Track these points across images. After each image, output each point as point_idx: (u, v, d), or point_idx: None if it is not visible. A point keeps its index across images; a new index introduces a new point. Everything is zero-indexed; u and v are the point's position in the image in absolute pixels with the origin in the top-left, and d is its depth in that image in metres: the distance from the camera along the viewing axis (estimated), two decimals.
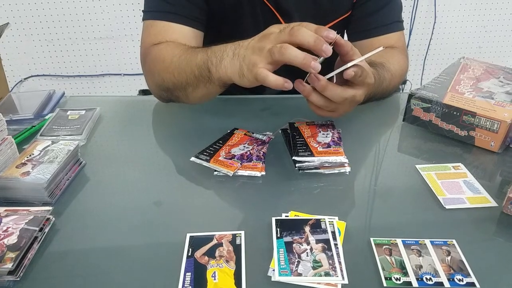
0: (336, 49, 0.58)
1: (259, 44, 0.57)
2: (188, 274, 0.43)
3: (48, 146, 0.62)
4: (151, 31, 0.79)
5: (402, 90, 1.05)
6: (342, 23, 0.85)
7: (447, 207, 0.54)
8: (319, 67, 0.54)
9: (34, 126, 0.74)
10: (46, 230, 0.50)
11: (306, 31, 0.54)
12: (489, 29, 2.28)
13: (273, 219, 0.51)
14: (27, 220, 0.49)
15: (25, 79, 2.13)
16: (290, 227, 0.49)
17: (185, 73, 0.68)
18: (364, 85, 0.61)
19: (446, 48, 2.29)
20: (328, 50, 0.53)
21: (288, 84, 0.56)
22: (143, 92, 1.02)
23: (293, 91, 0.91)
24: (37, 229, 0.48)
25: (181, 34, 0.77)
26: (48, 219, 0.51)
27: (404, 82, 1.24)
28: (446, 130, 0.70)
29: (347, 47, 0.57)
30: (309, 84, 0.60)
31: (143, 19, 0.81)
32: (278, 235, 0.48)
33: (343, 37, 0.93)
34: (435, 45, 2.27)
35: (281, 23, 0.81)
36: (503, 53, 2.37)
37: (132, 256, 0.48)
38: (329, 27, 0.83)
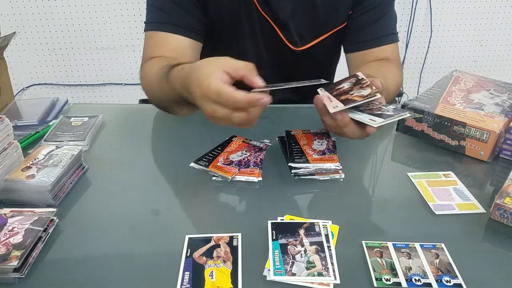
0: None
1: (209, 115, 0.56)
2: (187, 273, 0.45)
3: (52, 150, 0.64)
4: (150, 42, 0.81)
5: (399, 102, 1.07)
6: (337, 34, 0.87)
7: (437, 212, 0.56)
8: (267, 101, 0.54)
9: (38, 132, 0.76)
10: (50, 230, 0.52)
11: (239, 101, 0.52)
12: (485, 43, 2.32)
13: (269, 222, 0.53)
14: (32, 221, 0.51)
15: (27, 87, 2.16)
16: (285, 230, 0.51)
17: (164, 97, 0.70)
18: None
19: (442, 61, 2.33)
20: (266, 103, 0.54)
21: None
22: (143, 102, 1.04)
23: (290, 102, 0.93)
24: (42, 229, 0.50)
25: (179, 44, 0.79)
26: (52, 220, 0.53)
27: (401, 95, 1.27)
28: (437, 140, 0.73)
29: (379, 90, 0.59)
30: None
31: (144, 31, 0.83)
32: (274, 237, 0.50)
33: (339, 50, 0.96)
34: (431, 58, 2.31)
35: (277, 33, 0.84)
36: (498, 67, 2.41)
37: (132, 256, 0.50)
38: (325, 38, 0.87)
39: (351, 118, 0.57)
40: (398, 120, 0.59)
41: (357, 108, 0.58)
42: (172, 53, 0.78)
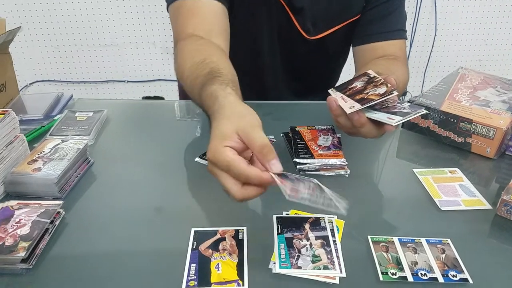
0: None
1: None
2: (193, 265, 0.45)
3: (58, 144, 0.64)
4: (178, 14, 0.76)
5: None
6: (350, 26, 0.87)
7: (443, 208, 0.56)
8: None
9: (43, 126, 0.76)
10: (57, 223, 0.52)
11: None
12: (489, 42, 2.31)
13: (274, 216, 0.53)
14: (38, 213, 0.51)
15: (30, 84, 2.17)
16: (290, 224, 0.51)
17: (192, 94, 0.64)
18: None
19: (446, 60, 2.32)
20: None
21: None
22: (146, 99, 1.04)
23: (296, 94, 0.93)
24: (48, 221, 0.50)
25: (211, 9, 0.74)
26: (58, 212, 0.53)
27: (405, 94, 1.26)
28: (443, 137, 0.73)
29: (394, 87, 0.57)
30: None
31: (168, 4, 0.78)
32: (279, 231, 0.50)
33: (348, 47, 0.95)
34: (436, 57, 2.30)
35: (292, 19, 0.83)
36: (503, 66, 2.40)
37: (139, 248, 0.50)
38: (338, 29, 0.86)
39: (368, 118, 0.56)
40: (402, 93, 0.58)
41: (372, 107, 0.58)
42: (205, 21, 0.74)
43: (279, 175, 0.45)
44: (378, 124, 0.57)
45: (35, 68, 2.14)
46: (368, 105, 0.56)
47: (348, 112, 0.56)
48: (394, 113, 0.56)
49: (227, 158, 0.44)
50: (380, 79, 0.59)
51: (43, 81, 2.18)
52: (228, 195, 0.47)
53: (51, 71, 2.17)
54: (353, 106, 0.56)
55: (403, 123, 0.75)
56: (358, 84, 0.60)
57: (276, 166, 0.44)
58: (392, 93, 0.56)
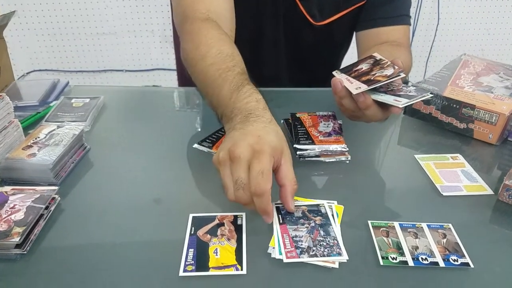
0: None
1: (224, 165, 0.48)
2: (191, 250, 0.44)
3: (54, 130, 0.63)
4: None
5: None
6: (357, 11, 0.85)
7: (444, 194, 0.55)
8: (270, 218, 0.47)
9: (39, 113, 0.75)
10: (52, 208, 0.51)
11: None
12: (492, 32, 2.29)
13: (274, 205, 0.51)
14: (33, 198, 0.50)
15: (27, 73, 2.15)
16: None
17: (205, 90, 0.63)
18: None
19: (449, 50, 2.30)
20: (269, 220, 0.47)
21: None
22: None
23: (297, 85, 0.92)
24: (43, 206, 0.49)
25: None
26: (53, 198, 0.52)
27: (406, 82, 1.25)
28: (445, 123, 0.72)
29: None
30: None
31: None
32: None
33: (352, 34, 0.94)
34: (438, 46, 2.28)
35: (297, 4, 0.82)
36: (506, 56, 2.38)
37: (136, 234, 0.49)
38: (344, 14, 0.84)
39: (373, 100, 0.55)
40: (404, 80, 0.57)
41: (377, 90, 0.56)
42: (217, 3, 0.72)
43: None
44: (383, 107, 0.56)
45: (32, 57, 2.12)
46: (375, 86, 0.54)
47: (354, 93, 0.55)
48: (400, 96, 0.55)
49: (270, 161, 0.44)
50: (387, 61, 0.58)
51: (40, 70, 2.16)
52: (224, 190, 0.47)
53: (48, 60, 2.15)
54: (359, 87, 0.55)
55: (406, 107, 0.75)
56: (364, 66, 0.59)
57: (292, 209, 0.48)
58: (399, 75, 0.55)
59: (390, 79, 0.55)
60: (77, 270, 0.44)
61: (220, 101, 0.57)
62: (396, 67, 0.56)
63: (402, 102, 0.53)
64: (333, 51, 0.95)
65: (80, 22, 2.05)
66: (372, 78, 0.56)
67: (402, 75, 0.55)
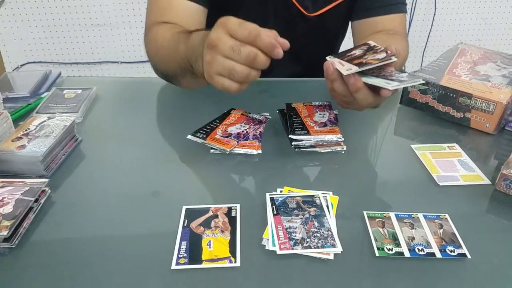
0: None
1: (208, 58, 0.51)
2: (184, 242, 0.44)
3: (44, 121, 0.62)
4: (154, 7, 0.77)
5: None
6: (350, 1, 0.84)
7: (441, 184, 0.55)
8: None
9: (30, 104, 0.73)
10: (42, 201, 0.50)
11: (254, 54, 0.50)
12: (489, 21, 2.27)
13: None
14: (22, 191, 0.49)
15: (21, 65, 2.12)
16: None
17: (173, 63, 0.65)
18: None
19: (445, 40, 2.29)
20: (279, 55, 0.51)
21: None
22: None
23: (292, 75, 0.91)
24: (33, 199, 0.48)
25: (185, 9, 0.75)
26: (43, 190, 0.51)
27: (403, 72, 1.24)
28: (442, 112, 0.71)
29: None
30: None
31: None
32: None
33: (347, 24, 0.92)
34: (435, 36, 2.27)
35: None
36: (502, 46, 2.37)
37: (129, 226, 0.48)
38: (338, 4, 0.82)
39: (364, 83, 0.55)
40: (410, 86, 0.57)
41: (369, 74, 0.56)
42: (179, 18, 0.74)
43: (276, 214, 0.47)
44: (374, 91, 0.55)
45: (26, 49, 2.09)
46: (366, 67, 0.54)
47: (344, 74, 0.54)
48: (392, 80, 0.54)
49: (238, 20, 0.49)
50: (380, 47, 0.57)
51: (34, 62, 2.13)
52: (227, 88, 0.51)
53: (42, 52, 2.12)
54: (350, 69, 0.54)
55: (402, 97, 0.74)
56: (358, 52, 0.58)
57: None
58: (391, 59, 0.54)
59: (381, 62, 0.54)
60: (67, 264, 0.43)
61: (182, 55, 0.61)
62: (389, 52, 0.56)
63: (392, 85, 0.53)
64: (327, 42, 0.93)
65: (74, 14, 2.02)
66: (364, 61, 0.55)
67: (394, 59, 0.55)
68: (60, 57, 2.13)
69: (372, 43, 0.59)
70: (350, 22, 0.88)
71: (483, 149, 0.65)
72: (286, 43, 0.51)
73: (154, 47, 0.72)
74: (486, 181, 0.55)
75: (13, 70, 2.07)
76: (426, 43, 2.27)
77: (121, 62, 2.15)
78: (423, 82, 0.56)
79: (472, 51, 0.83)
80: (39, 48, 2.09)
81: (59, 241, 0.46)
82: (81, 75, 2.18)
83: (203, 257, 0.42)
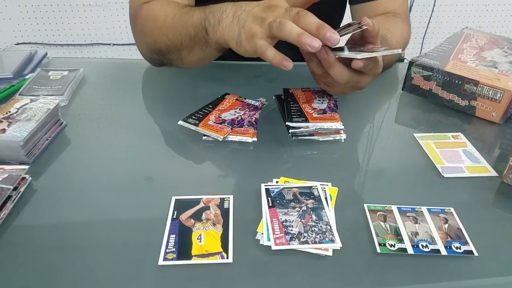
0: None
1: (262, 14, 0.52)
2: (172, 236, 0.41)
3: (27, 104, 0.58)
4: None
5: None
6: None
7: (445, 175, 0.52)
8: (318, 44, 0.48)
9: (13, 86, 0.69)
10: (22, 189, 0.47)
11: (311, 18, 0.50)
12: (490, 8, 2.23)
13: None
14: (0, 179, 0.46)
15: (9, 46, 2.05)
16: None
17: (180, 34, 0.63)
18: (372, 75, 0.57)
19: (446, 26, 2.25)
20: (332, 39, 0.48)
21: (287, 63, 0.51)
22: None
23: (291, 59, 0.87)
24: (11, 187, 0.45)
25: None
26: (23, 178, 0.48)
27: (402, 60, 1.21)
28: (446, 100, 0.68)
29: (373, 32, 0.54)
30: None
31: None
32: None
33: (345, 8, 0.88)
34: (435, 23, 2.22)
35: None
36: (504, 33, 2.33)
37: (114, 217, 0.45)
38: None
39: (339, 59, 0.53)
40: (398, 57, 0.55)
41: (347, 51, 0.54)
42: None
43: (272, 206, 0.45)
44: (354, 70, 0.54)
45: (15, 29, 2.02)
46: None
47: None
48: (365, 52, 0.52)
49: None
50: (358, 22, 0.54)
51: (24, 43, 2.06)
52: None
53: (32, 33, 2.05)
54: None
55: (405, 83, 0.70)
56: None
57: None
58: (362, 27, 0.52)
59: (347, 28, 0.52)
60: (49, 256, 0.40)
61: (196, 22, 0.60)
62: (361, 22, 0.54)
63: (361, 54, 0.51)
64: None
65: None
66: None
67: (365, 27, 0.53)
68: (50, 38, 2.06)
69: (355, 22, 0.56)
70: (349, 7, 0.84)
71: (488, 139, 0.62)
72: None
73: (154, 24, 0.68)
74: (493, 173, 0.53)
75: (2, 51, 2.00)
76: (426, 30, 2.23)
77: (113, 44, 2.09)
78: (401, 52, 0.54)
79: (477, 36, 0.79)
80: (28, 28, 2.03)
81: (38, 231, 0.43)
82: (72, 57, 2.12)
83: (193, 252, 0.39)
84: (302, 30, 0.49)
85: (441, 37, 2.25)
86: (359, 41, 0.57)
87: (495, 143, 0.62)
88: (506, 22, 2.30)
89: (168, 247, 0.40)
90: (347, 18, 0.89)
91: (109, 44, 2.09)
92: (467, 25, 2.39)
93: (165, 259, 0.39)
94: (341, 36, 0.51)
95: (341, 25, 0.61)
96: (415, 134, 0.60)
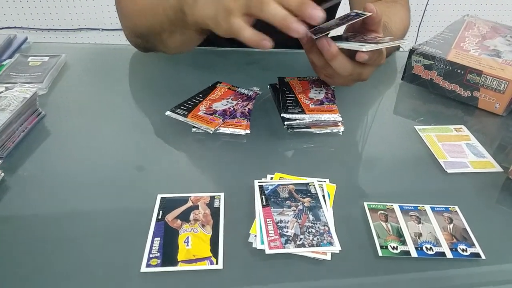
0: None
1: None
2: (157, 239, 0.38)
3: (1, 92, 0.54)
4: None
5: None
6: None
7: (448, 171, 0.49)
8: (302, 30, 0.44)
9: None
10: None
11: None
12: None
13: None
14: None
15: None
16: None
17: (159, 15, 0.59)
18: (375, 65, 0.54)
19: (442, 15, 2.22)
20: (315, 16, 0.43)
21: (266, 42, 0.46)
22: None
23: (285, 45, 0.83)
24: None
25: None
26: None
27: (398, 49, 1.18)
28: (447, 90, 0.65)
29: (376, 19, 0.51)
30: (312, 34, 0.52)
31: None
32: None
33: None
34: (431, 11, 2.19)
35: None
36: (501, 22, 2.31)
37: (93, 217, 0.42)
38: None
39: (341, 50, 0.50)
40: (396, 46, 0.52)
41: (348, 41, 0.51)
42: None
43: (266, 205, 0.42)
44: (356, 61, 0.50)
45: None
46: (330, 22, 0.49)
47: (315, 38, 0.50)
48: (370, 43, 0.49)
49: None
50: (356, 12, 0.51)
51: (9, 28, 1.99)
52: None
53: (17, 17, 1.97)
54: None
55: (405, 73, 0.67)
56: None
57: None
58: (364, 14, 0.49)
59: (346, 18, 0.49)
60: (19, 258, 0.37)
61: (173, 2, 0.56)
62: (366, 9, 0.51)
63: (366, 46, 0.47)
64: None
65: None
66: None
67: (368, 14, 0.49)
68: (36, 23, 1.99)
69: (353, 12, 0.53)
70: None
71: (491, 132, 0.60)
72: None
73: (134, 6, 0.64)
74: (498, 168, 0.50)
75: None
76: (422, 19, 2.19)
77: (102, 29, 2.02)
78: (406, 42, 0.51)
79: (479, 24, 0.76)
80: (13, 12, 1.95)
81: (10, 232, 0.39)
82: (60, 43, 2.05)
83: (179, 257, 0.36)
84: (287, 12, 0.44)
85: (437, 26, 2.22)
86: (360, 29, 0.54)
87: (498, 136, 0.59)
88: (502, 10, 2.27)
89: (152, 252, 0.36)
90: (345, 7, 0.85)
91: (98, 29, 2.02)
92: (463, 14, 2.36)
93: (148, 265, 0.35)
94: (332, 22, 0.48)
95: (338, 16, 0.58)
96: (416, 127, 0.58)
